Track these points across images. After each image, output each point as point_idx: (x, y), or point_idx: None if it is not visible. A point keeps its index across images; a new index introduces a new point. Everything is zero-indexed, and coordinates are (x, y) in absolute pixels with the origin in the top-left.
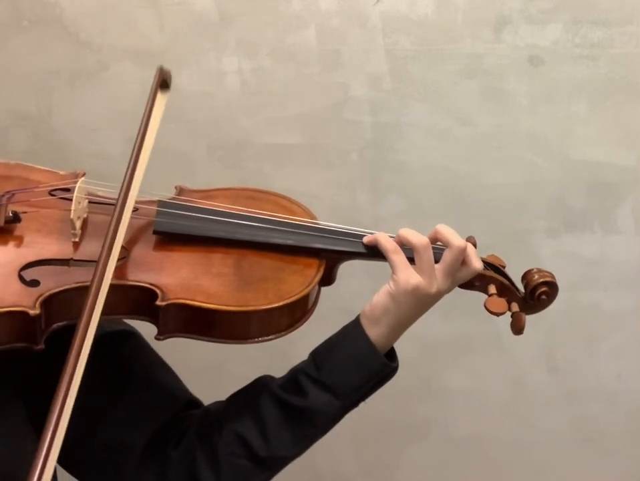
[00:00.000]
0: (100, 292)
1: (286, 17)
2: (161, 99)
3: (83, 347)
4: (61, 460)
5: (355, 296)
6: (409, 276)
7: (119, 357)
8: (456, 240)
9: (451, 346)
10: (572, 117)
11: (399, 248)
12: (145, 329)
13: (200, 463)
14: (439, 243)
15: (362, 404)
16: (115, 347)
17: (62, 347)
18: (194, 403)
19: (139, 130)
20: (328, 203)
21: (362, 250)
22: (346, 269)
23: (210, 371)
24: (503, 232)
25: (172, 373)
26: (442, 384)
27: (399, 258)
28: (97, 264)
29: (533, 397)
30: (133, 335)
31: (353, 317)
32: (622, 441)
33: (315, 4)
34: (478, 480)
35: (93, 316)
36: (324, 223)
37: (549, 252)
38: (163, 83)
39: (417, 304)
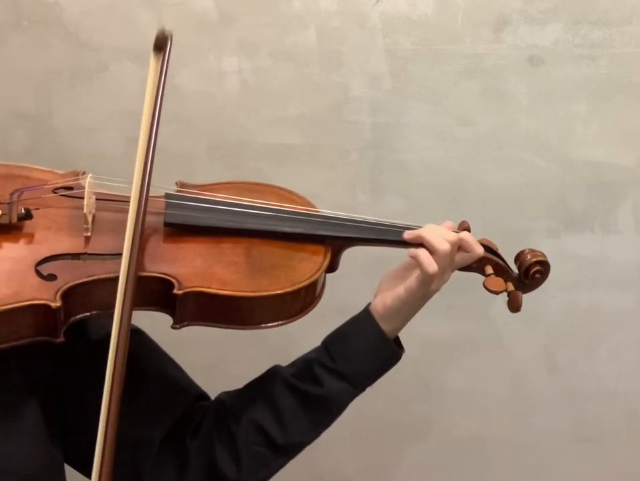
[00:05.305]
0: (130, 285)
1: (286, 17)
2: (155, 62)
3: (120, 340)
4: (77, 464)
5: (354, 296)
6: (425, 287)
7: (130, 355)
8: (449, 236)
9: (451, 346)
10: (572, 117)
11: (434, 264)
12: (149, 324)
13: (219, 453)
14: None
15: (362, 404)
16: None
17: (74, 347)
18: (204, 396)
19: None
20: (328, 203)
21: (366, 235)
22: (345, 269)
23: (210, 371)
24: (503, 232)
25: (180, 368)
26: (442, 384)
27: (425, 276)
28: (124, 258)
29: (533, 397)
30: (140, 333)
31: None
32: (622, 441)
33: (315, 4)
34: (478, 480)
35: (126, 310)
36: (325, 211)
37: (549, 252)
38: (156, 45)
39: (426, 300)
